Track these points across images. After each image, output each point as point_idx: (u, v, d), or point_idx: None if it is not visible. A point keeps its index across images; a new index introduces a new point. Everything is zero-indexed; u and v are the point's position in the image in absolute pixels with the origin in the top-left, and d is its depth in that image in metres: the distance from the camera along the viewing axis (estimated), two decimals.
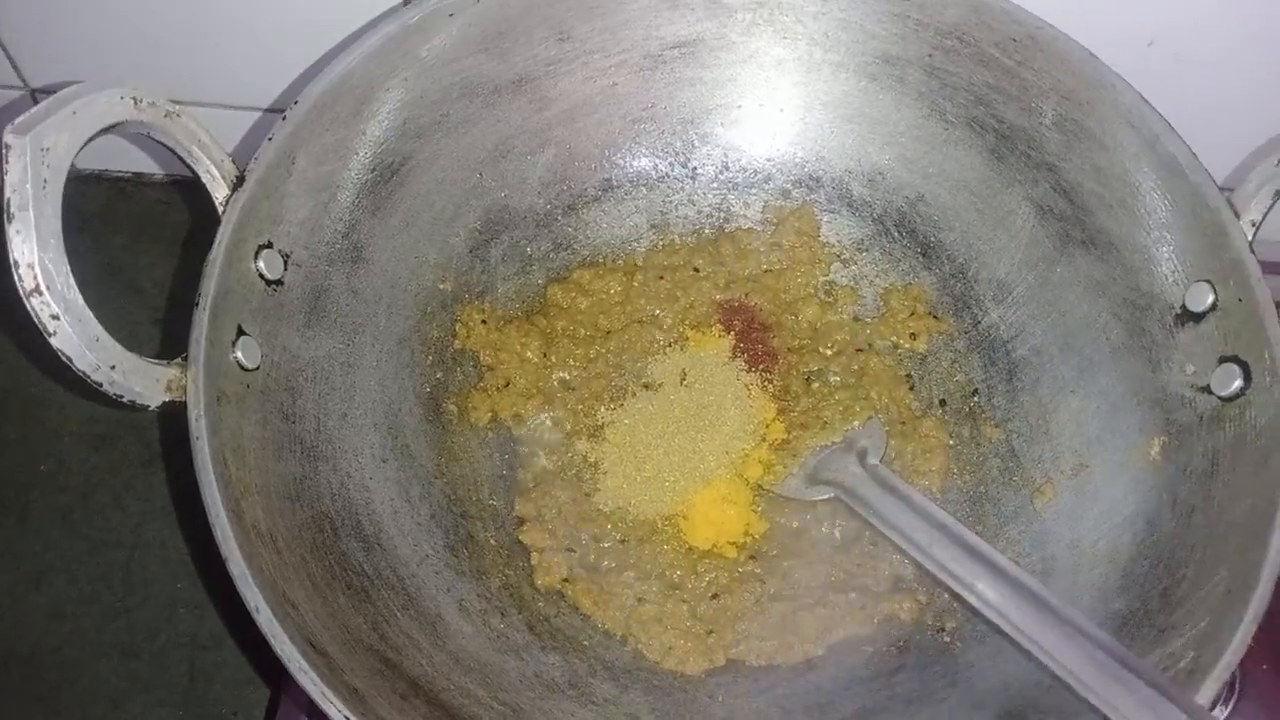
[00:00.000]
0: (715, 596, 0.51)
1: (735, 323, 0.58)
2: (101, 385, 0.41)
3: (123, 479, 0.63)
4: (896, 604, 0.52)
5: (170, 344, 0.65)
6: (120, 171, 0.72)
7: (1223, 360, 0.48)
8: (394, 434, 0.53)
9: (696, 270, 0.60)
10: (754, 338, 0.58)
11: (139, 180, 0.72)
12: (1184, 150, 0.49)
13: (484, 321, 0.57)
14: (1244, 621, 0.41)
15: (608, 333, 0.58)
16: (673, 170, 0.61)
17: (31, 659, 0.58)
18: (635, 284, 0.59)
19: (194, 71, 0.63)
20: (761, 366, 0.57)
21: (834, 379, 0.57)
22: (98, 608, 0.59)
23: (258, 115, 0.66)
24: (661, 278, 0.59)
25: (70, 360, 0.40)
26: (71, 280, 0.40)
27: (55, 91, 0.63)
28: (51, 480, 0.62)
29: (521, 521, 0.53)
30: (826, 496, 0.54)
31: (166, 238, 0.70)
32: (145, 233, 0.70)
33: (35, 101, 0.67)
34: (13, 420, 0.64)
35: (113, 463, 0.63)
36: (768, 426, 0.56)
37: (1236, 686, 0.54)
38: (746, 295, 0.59)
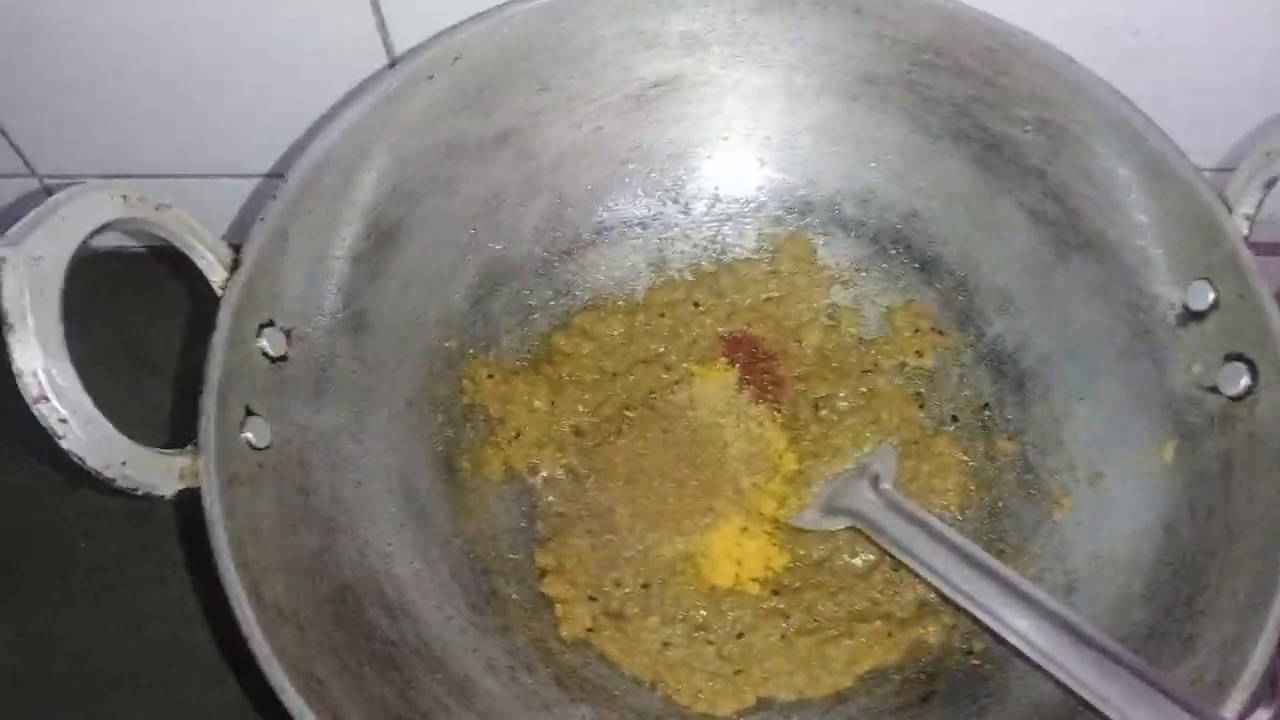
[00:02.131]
0: (741, 635, 0.52)
1: (739, 354, 0.59)
2: (115, 481, 0.42)
3: (160, 553, 0.63)
4: (923, 628, 0.52)
5: (186, 421, 0.66)
6: (131, 246, 0.73)
7: (1228, 358, 0.47)
8: (409, 497, 0.53)
9: (697, 305, 0.60)
10: (759, 368, 0.58)
11: (147, 254, 0.73)
12: (1170, 147, 0.49)
13: (490, 375, 0.57)
14: (1266, 628, 0.40)
15: (614, 375, 0.58)
16: (665, 207, 0.61)
17: None
18: (637, 324, 0.59)
19: (193, 145, 0.64)
20: (770, 396, 0.58)
21: (843, 404, 0.57)
22: (142, 682, 0.59)
23: (258, 181, 0.67)
24: (662, 315, 0.60)
25: (82, 460, 0.41)
26: (77, 381, 0.41)
27: (59, 178, 0.67)
28: (90, 559, 0.63)
29: (543, 573, 0.54)
30: (843, 526, 0.54)
31: (177, 310, 0.71)
32: (156, 306, 0.71)
33: (43, 185, 0.69)
34: (48, 503, 0.64)
35: (149, 537, 0.63)
36: (780, 458, 0.56)
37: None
38: (749, 326, 0.59)
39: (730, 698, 0.50)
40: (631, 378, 0.58)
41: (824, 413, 0.57)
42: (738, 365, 0.58)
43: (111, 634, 0.61)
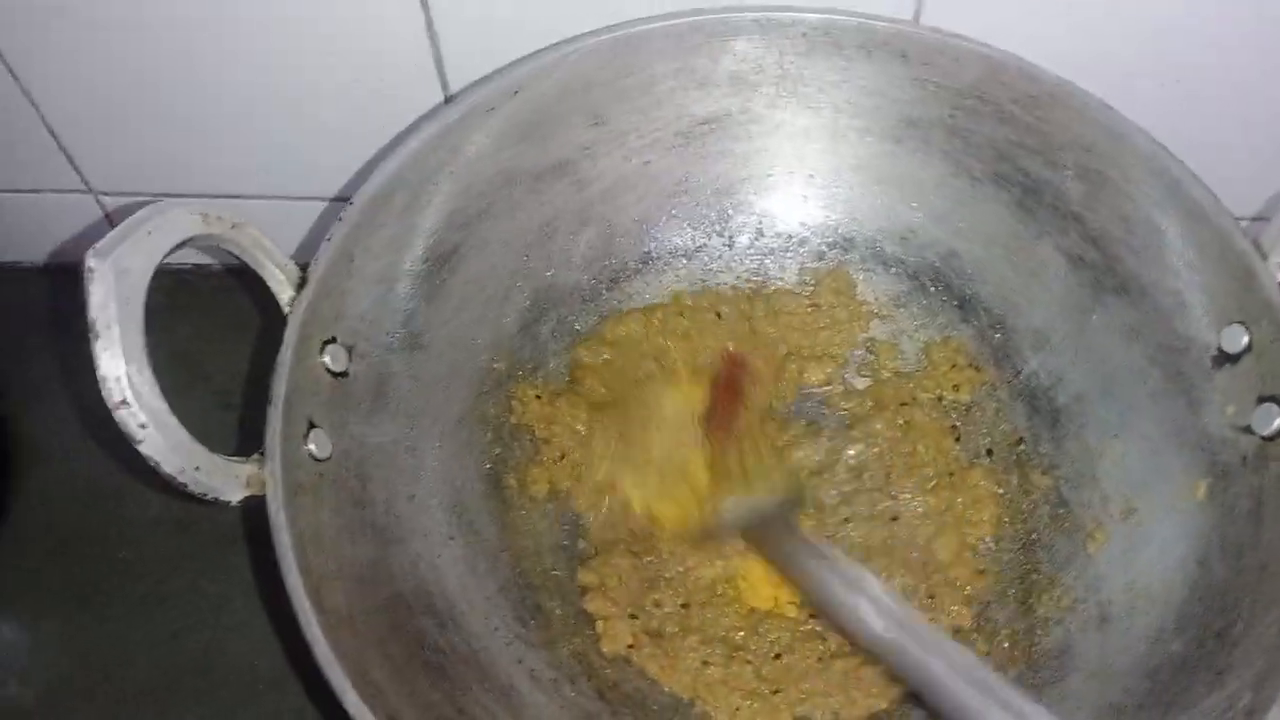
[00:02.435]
0: (778, 656, 0.53)
1: (721, 377, 0.59)
2: (187, 486, 0.44)
3: (200, 563, 0.64)
4: None
5: (241, 426, 0.68)
6: (181, 264, 0.75)
7: (1261, 400, 0.48)
8: (459, 512, 0.55)
9: (719, 315, 0.61)
10: (725, 400, 0.58)
11: (199, 271, 0.75)
12: (1207, 195, 0.50)
13: (537, 397, 0.59)
14: None
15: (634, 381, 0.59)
16: (709, 240, 0.63)
17: None
18: (655, 321, 0.61)
19: (260, 167, 0.66)
20: (716, 430, 0.57)
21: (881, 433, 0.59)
22: (181, 692, 0.61)
23: (324, 204, 0.69)
24: (681, 314, 0.61)
25: (158, 464, 0.43)
26: (156, 389, 0.42)
27: (121, 195, 0.69)
28: (131, 567, 0.64)
29: (585, 590, 0.55)
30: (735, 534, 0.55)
31: (229, 324, 0.72)
32: (209, 321, 0.73)
33: (101, 207, 0.71)
34: (92, 511, 0.66)
35: (190, 547, 0.65)
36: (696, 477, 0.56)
37: None
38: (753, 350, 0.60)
39: (767, 717, 0.52)
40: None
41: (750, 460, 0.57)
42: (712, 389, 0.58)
43: (151, 643, 0.62)
